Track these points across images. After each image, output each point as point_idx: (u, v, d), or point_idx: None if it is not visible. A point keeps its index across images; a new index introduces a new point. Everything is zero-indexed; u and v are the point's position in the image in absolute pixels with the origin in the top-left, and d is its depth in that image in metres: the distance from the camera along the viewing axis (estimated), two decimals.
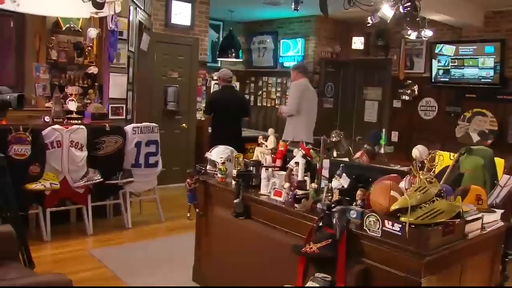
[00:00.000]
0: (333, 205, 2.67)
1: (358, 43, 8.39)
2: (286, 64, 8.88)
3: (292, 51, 8.76)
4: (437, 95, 7.69)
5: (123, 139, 4.90)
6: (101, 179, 4.77)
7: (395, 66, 8.16)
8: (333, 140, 3.13)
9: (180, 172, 6.67)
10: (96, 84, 6.61)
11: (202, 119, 7.16)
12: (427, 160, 2.49)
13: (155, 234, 4.99)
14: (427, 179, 2.37)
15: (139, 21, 5.86)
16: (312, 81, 8.47)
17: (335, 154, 3.16)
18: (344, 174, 2.84)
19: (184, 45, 6.88)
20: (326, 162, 3.13)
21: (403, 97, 7.97)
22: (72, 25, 7.09)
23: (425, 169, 2.45)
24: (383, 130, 7.26)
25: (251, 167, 3.36)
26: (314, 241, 2.58)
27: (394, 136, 8.19)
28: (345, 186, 2.82)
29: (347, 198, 2.75)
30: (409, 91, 7.93)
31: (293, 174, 3.04)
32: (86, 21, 7.17)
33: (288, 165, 3.09)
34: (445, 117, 7.56)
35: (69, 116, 4.98)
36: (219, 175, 3.42)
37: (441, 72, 7.46)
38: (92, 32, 5.02)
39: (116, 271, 3.96)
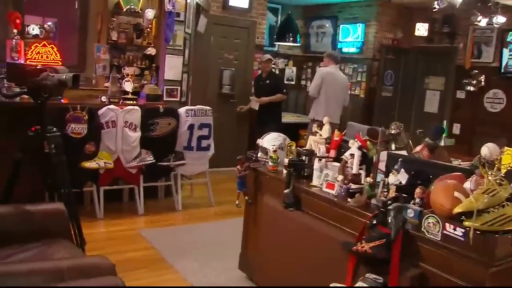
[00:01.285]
0: (389, 202, 2.49)
1: (422, 29, 7.94)
2: (345, 49, 8.57)
3: (351, 37, 8.43)
4: (506, 87, 7.16)
5: (176, 121, 4.87)
6: (153, 160, 4.77)
7: (460, 54, 7.66)
8: (392, 132, 2.92)
9: (233, 156, 6.61)
10: (154, 65, 6.65)
11: None
12: (497, 160, 2.24)
13: (204, 218, 4.96)
14: (497, 181, 2.13)
15: (197, 2, 5.78)
16: (371, 68, 8.18)
17: (393, 147, 2.95)
18: (402, 170, 2.63)
19: (241, 28, 6.76)
20: (383, 155, 2.93)
21: (468, 87, 7.48)
22: (132, 7, 7.15)
23: (494, 169, 2.21)
24: (444, 122, 6.95)
25: (304, 157, 3.21)
26: (367, 239, 2.41)
27: (456, 129, 7.75)
28: (403, 182, 2.62)
29: (404, 195, 2.55)
30: (475, 81, 7.43)
31: (347, 167, 2.86)
32: (145, 2, 7.21)
33: (342, 156, 2.91)
34: None
35: (124, 96, 5.00)
36: (270, 163, 3.30)
37: None
38: (150, 13, 5.00)
39: (163, 252, 3.95)
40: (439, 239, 2.19)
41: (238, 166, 3.35)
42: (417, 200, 2.48)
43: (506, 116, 7.15)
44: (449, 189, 2.21)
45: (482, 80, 7.38)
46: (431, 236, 2.22)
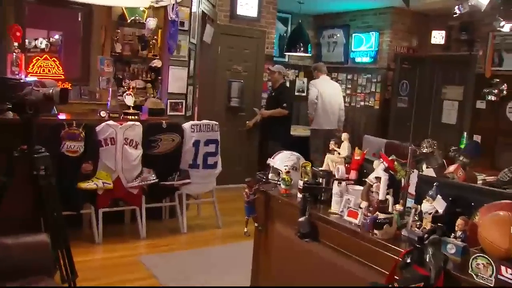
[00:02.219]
0: (425, 235, 2.06)
1: (438, 37, 7.52)
2: (358, 59, 8.17)
3: (364, 46, 8.03)
4: None
5: (180, 137, 4.50)
6: (156, 180, 4.40)
7: (480, 62, 7.21)
8: (424, 151, 2.49)
9: (242, 173, 6.19)
10: (160, 78, 6.31)
11: None
12: None
13: (211, 242, 4.55)
14: None
15: (203, 11, 5.42)
16: (386, 78, 7.76)
17: (424, 168, 2.53)
18: (439, 196, 2.20)
19: (250, 38, 6.38)
20: (413, 177, 2.50)
21: (489, 97, 6.98)
22: (137, 18, 6.83)
23: None
24: (465, 133, 6.48)
25: (321, 179, 2.79)
26: (401, 282, 1.98)
27: (477, 140, 7.25)
28: (440, 211, 2.18)
29: (440, 225, 2.12)
30: (496, 90, 6.93)
31: (372, 191, 2.44)
32: (151, 13, 6.88)
33: (366, 179, 2.48)
34: None
35: (125, 111, 4.63)
36: (282, 186, 2.88)
37: None
38: (151, 22, 4.64)
39: (164, 281, 3.54)
40: (492, 285, 1.75)
41: (247, 190, 2.94)
42: (459, 233, 2.05)
43: None
44: (505, 223, 1.77)
45: (504, 89, 6.91)
46: (482, 281, 1.79)
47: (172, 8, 4.52)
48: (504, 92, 6.91)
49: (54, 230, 2.90)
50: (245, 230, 3.06)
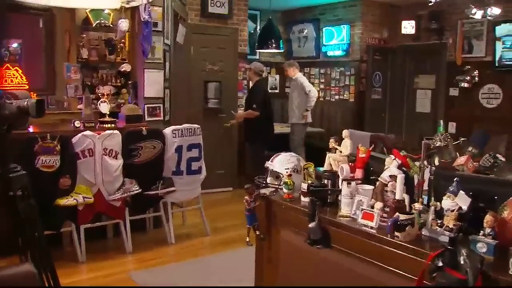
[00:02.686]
0: (456, 235, 1.92)
1: (408, 27, 7.50)
2: (330, 53, 8.06)
3: (336, 39, 7.93)
4: (501, 81, 6.75)
5: (162, 144, 4.25)
6: (139, 190, 4.14)
7: (450, 51, 7.24)
8: (438, 144, 2.36)
9: (224, 176, 6.00)
10: (130, 82, 6.01)
11: None
12: None
13: (202, 251, 4.32)
14: None
15: (174, 10, 5.17)
16: (359, 70, 7.69)
17: (436, 162, 2.39)
18: (462, 192, 2.06)
19: (223, 36, 6.15)
20: (426, 173, 2.37)
21: (462, 84, 7.05)
22: (102, 21, 6.51)
23: None
24: (441, 122, 6.45)
25: (326, 180, 2.62)
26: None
27: (452, 128, 7.28)
28: (464, 207, 2.05)
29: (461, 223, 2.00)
30: (468, 77, 7.01)
31: (386, 191, 2.28)
32: (117, 15, 6.56)
33: (379, 178, 2.33)
34: None
35: (101, 119, 4.34)
36: (284, 190, 2.69)
37: (506, 55, 6.52)
38: (124, 24, 4.37)
39: None
40: None
41: (247, 197, 2.74)
42: (488, 230, 1.92)
43: (504, 111, 6.73)
44: None
45: (476, 75, 6.96)
46: None
47: (145, 8, 4.26)
48: (476, 78, 6.98)
49: (36, 254, 2.64)
50: (247, 239, 2.87)
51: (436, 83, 7.67)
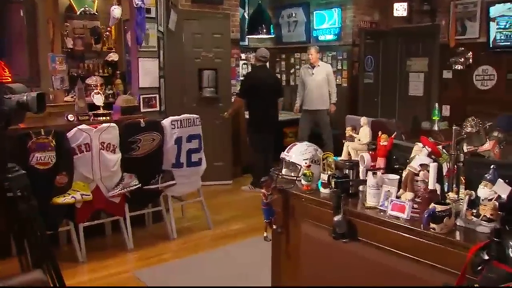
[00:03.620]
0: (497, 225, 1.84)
1: (400, 9, 7.40)
2: (321, 37, 7.93)
3: (327, 23, 7.80)
4: (495, 62, 6.72)
5: (161, 136, 4.10)
6: (139, 185, 3.99)
7: (443, 32, 7.18)
8: (468, 130, 2.27)
9: (223, 168, 5.85)
10: (118, 72, 5.84)
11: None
12: None
13: (205, 245, 4.20)
14: None
15: None
16: (351, 54, 7.59)
17: (465, 148, 2.31)
18: (500, 180, 1.97)
19: (215, 22, 5.96)
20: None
21: (455, 66, 7.00)
22: (87, 8, 6.32)
23: None
24: (436, 105, 6.43)
25: (347, 170, 2.52)
26: (484, 282, 1.74)
27: (446, 110, 7.25)
28: (504, 196, 1.96)
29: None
30: (462, 59, 6.96)
31: (417, 180, 2.19)
32: (101, 3, 6.34)
33: (408, 167, 2.23)
34: (507, 86, 6.60)
35: (95, 112, 4.17)
36: (303, 182, 2.58)
37: (500, 36, 6.49)
38: (116, 11, 4.17)
39: None
40: None
41: (264, 190, 2.62)
42: None
43: (499, 92, 6.73)
44: None
45: (470, 57, 6.92)
46: None
47: None
48: (470, 60, 6.93)
49: (39, 257, 2.51)
50: (265, 234, 2.75)
51: (429, 66, 7.61)
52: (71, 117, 3.98)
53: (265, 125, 5.86)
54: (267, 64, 6.24)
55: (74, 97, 4.72)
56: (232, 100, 6.15)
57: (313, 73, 6.70)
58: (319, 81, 6.67)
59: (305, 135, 6.69)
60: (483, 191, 2.01)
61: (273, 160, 5.81)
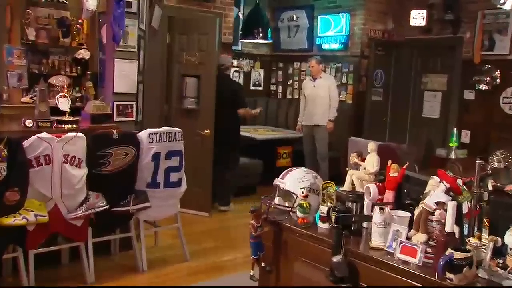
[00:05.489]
0: None
1: (418, 18, 7.48)
2: (325, 46, 8.00)
3: (332, 30, 7.87)
4: None
5: (136, 151, 4.05)
6: (107, 206, 3.93)
7: (467, 46, 7.26)
8: (495, 166, 2.26)
9: (202, 195, 5.73)
10: (89, 72, 5.77)
11: None
12: None
13: (181, 281, 4.13)
14: None
15: None
16: (359, 67, 7.65)
17: (490, 186, 2.29)
18: None
19: (205, 22, 5.95)
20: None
21: (479, 86, 7.06)
22: None
23: None
24: (454, 129, 6.48)
25: (350, 203, 2.50)
26: None
27: (465, 136, 7.32)
28: None
29: None
30: (487, 78, 7.03)
31: (431, 220, 2.17)
32: None
33: (421, 204, 2.21)
34: None
35: (59, 118, 4.12)
36: (299, 214, 2.57)
37: None
38: (91, 2, 4.14)
39: None
40: None
41: (253, 221, 2.59)
42: None
43: None
44: None
45: (497, 76, 6.99)
46: None
47: None
48: (497, 80, 6.99)
49: None
50: (252, 273, 2.71)
51: (448, 84, 7.71)
52: (29, 123, 3.92)
53: (219, 138, 5.83)
54: (229, 72, 6.45)
55: (34, 98, 4.65)
56: None
57: (314, 85, 6.76)
58: (321, 95, 6.76)
59: (309, 156, 6.86)
60: (511, 238, 2.00)
61: (232, 179, 6.11)
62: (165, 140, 4.17)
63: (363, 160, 2.77)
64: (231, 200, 6.17)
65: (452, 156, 6.29)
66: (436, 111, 7.91)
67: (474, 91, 7.22)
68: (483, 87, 7.07)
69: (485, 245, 2.08)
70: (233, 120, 6.09)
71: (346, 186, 2.76)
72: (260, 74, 8.77)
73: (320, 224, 2.56)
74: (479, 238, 2.10)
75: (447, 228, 2.08)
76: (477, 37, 7.08)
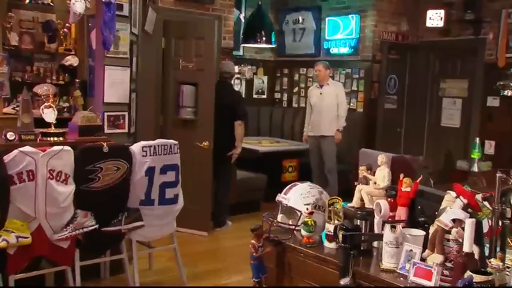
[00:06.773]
0: None
1: (435, 18, 7.54)
2: (333, 50, 8.04)
3: (341, 33, 7.92)
4: None
5: (128, 165, 4.07)
6: (96, 226, 3.94)
7: (490, 49, 7.30)
8: None
9: (200, 213, 5.73)
10: (78, 80, 5.81)
11: None
12: None
13: None
14: None
15: None
16: (371, 73, 7.69)
17: None
18: None
19: (202, 26, 6.01)
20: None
21: (504, 92, 7.07)
22: None
23: None
24: (477, 139, 6.49)
25: (359, 221, 2.52)
26: None
27: (489, 147, 7.34)
28: None
29: None
30: None
31: (447, 239, 2.18)
32: None
33: (437, 222, 2.22)
34: None
35: (44, 130, 4.16)
36: (303, 233, 2.60)
37: None
38: (79, 5, 4.19)
39: None
40: None
41: (254, 241, 2.60)
42: None
43: None
44: None
45: None
46: None
47: None
48: None
49: None
50: None
51: (469, 90, 7.76)
52: (11, 136, 3.96)
53: (216, 150, 5.86)
54: (232, 80, 6.46)
55: (17, 109, 4.69)
56: None
57: (321, 93, 6.79)
58: (328, 103, 6.80)
59: (317, 169, 6.90)
60: None
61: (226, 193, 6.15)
62: (160, 154, 4.20)
63: (373, 173, 2.78)
64: (227, 218, 6.19)
65: (475, 169, 6.29)
66: (456, 119, 7.94)
67: (499, 97, 7.24)
68: (509, 93, 7.06)
69: (509, 267, 2.09)
70: (230, 131, 6.11)
71: (355, 202, 2.78)
72: (263, 81, 8.81)
73: (326, 243, 2.60)
74: (502, 260, 2.10)
75: (465, 248, 2.10)
76: (501, 38, 7.11)
